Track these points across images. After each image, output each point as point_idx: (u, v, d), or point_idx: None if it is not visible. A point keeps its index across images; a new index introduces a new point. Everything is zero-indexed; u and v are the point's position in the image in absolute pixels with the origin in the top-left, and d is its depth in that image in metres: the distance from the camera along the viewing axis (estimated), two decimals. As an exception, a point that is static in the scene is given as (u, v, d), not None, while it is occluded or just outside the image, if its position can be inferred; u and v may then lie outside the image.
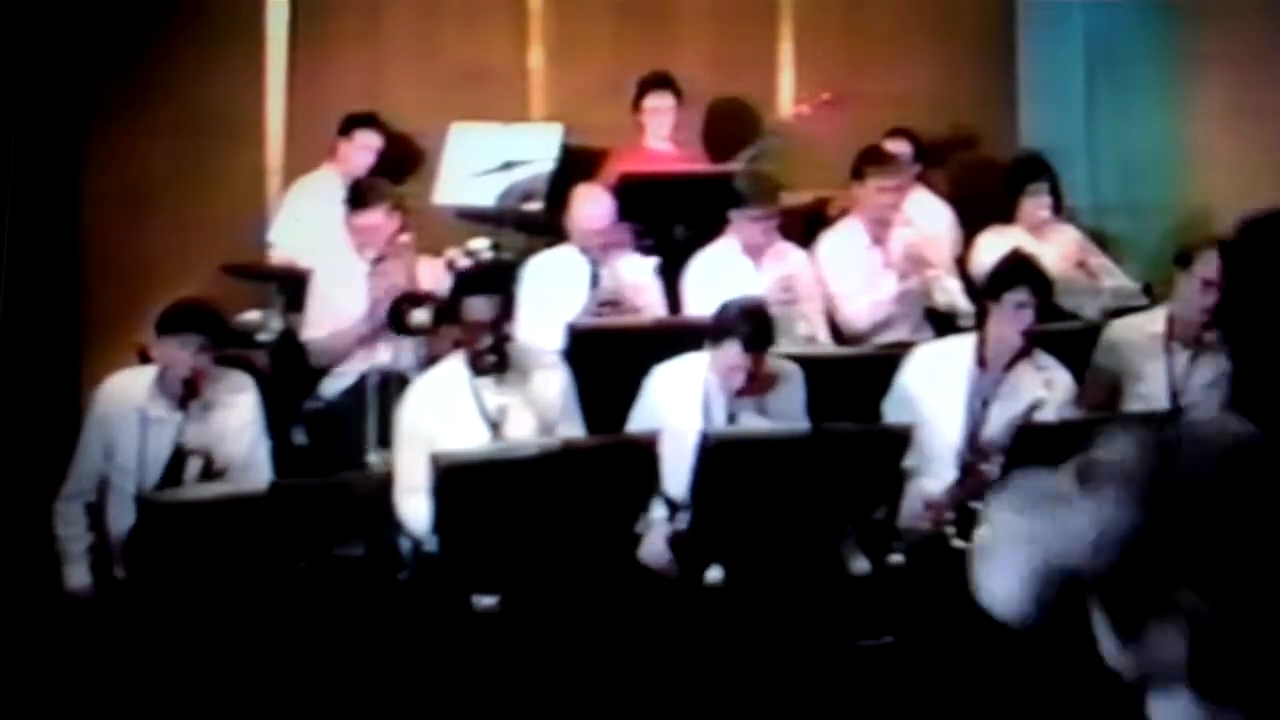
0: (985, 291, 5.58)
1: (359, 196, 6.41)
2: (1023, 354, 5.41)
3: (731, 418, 5.41)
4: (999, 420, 5.33)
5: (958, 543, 5.19)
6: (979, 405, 5.41)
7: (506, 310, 5.41)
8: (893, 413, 5.47)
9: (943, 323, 6.61)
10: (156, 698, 4.62)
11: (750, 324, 5.31)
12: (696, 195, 6.79)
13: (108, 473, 5.27)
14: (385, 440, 5.56)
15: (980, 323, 5.59)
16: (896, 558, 5.13)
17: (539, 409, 5.35)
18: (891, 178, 6.79)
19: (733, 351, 5.30)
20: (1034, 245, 6.70)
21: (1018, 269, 5.54)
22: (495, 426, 5.23)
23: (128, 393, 5.28)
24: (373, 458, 5.64)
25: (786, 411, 5.48)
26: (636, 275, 6.55)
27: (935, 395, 5.43)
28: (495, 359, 5.27)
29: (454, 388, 5.31)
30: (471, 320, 5.29)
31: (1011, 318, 5.38)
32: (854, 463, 5.02)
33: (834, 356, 6.26)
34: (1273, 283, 2.22)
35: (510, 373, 5.33)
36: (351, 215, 6.37)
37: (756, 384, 5.38)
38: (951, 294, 6.77)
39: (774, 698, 4.87)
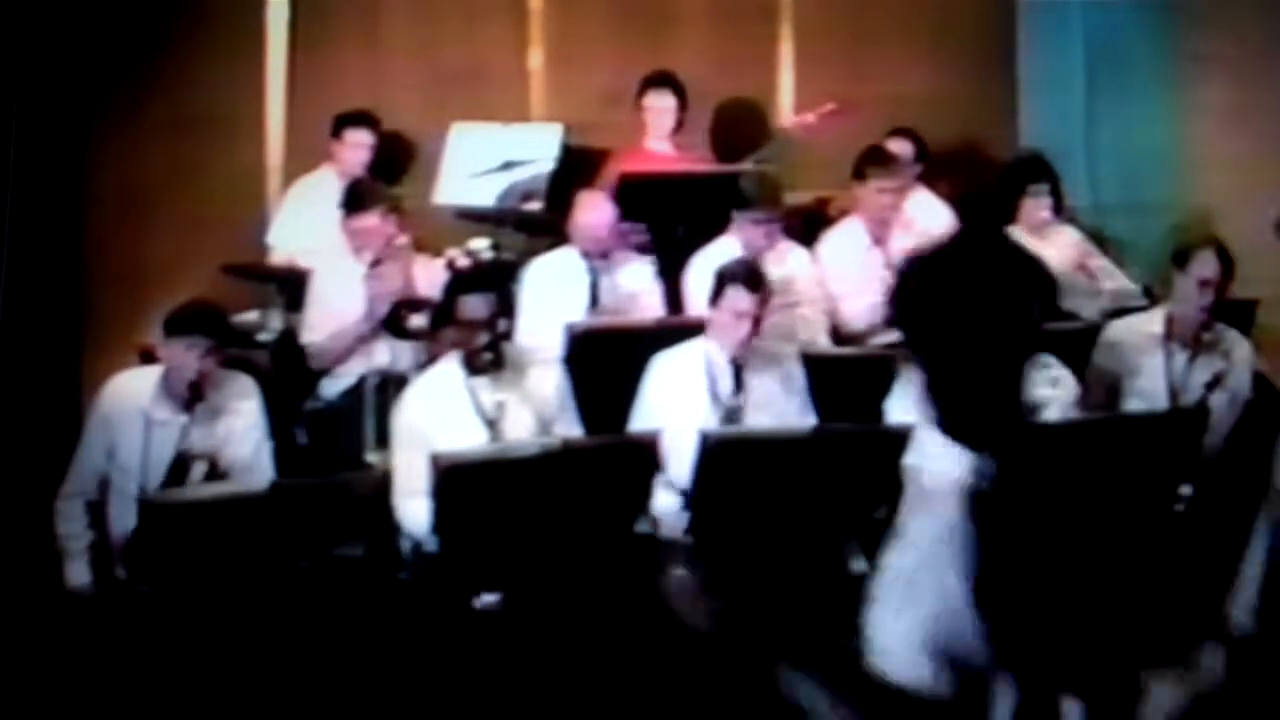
0: None
1: (355, 200, 6.42)
2: None
3: (738, 374, 5.44)
4: None
5: None
6: None
7: (501, 309, 5.42)
8: (895, 411, 5.47)
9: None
10: (157, 697, 4.62)
11: (749, 269, 5.58)
12: (698, 196, 6.79)
13: (109, 472, 5.28)
14: (384, 440, 5.57)
15: None
16: None
17: (535, 406, 5.36)
18: (892, 178, 6.79)
19: (737, 296, 5.44)
20: (1034, 246, 6.69)
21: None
22: (492, 425, 5.24)
23: (131, 394, 5.29)
24: (371, 458, 5.65)
25: (790, 377, 5.59)
26: (636, 282, 6.55)
27: None
28: (491, 358, 5.29)
29: (450, 389, 5.32)
30: (467, 319, 5.30)
31: None
32: (854, 462, 5.03)
33: (834, 356, 6.26)
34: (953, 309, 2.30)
35: (505, 371, 5.34)
36: (348, 219, 6.39)
37: (759, 331, 5.47)
38: None
39: (774, 697, 4.87)
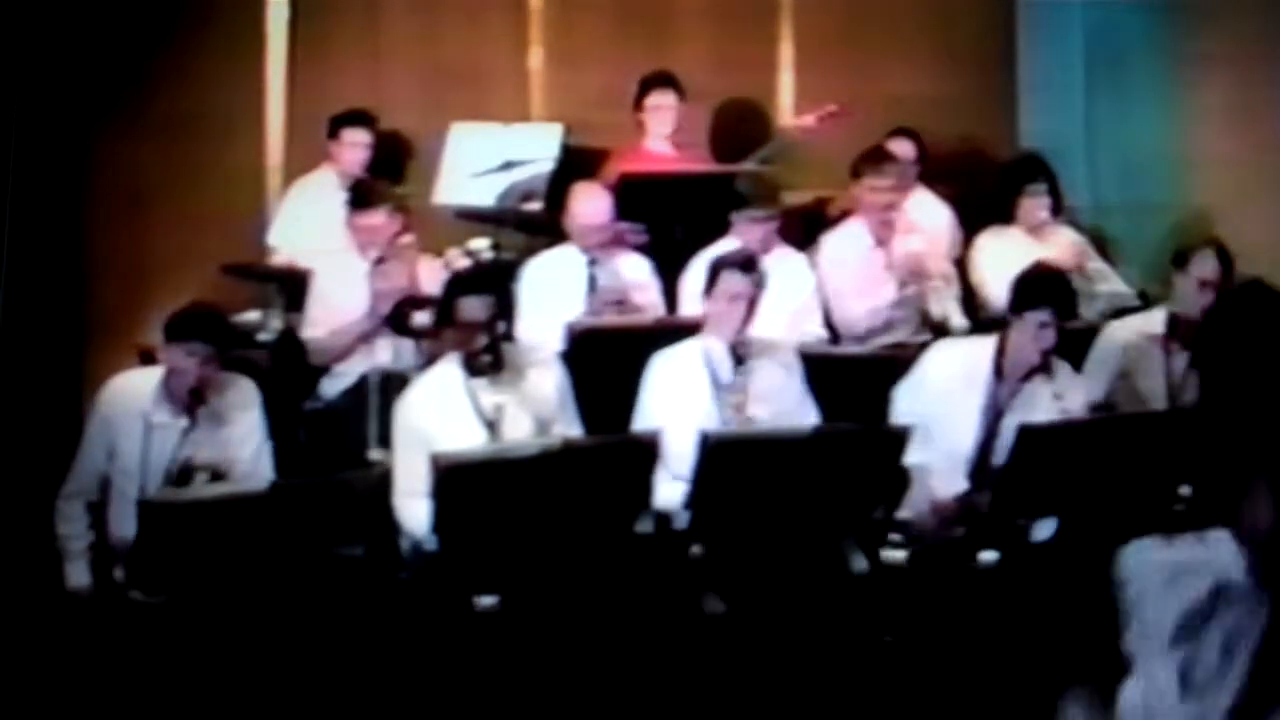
0: (1009, 305, 5.48)
1: (361, 197, 6.42)
2: (1040, 369, 5.37)
3: (740, 362, 5.45)
4: (1012, 432, 5.29)
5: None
6: (993, 414, 5.38)
7: (501, 310, 5.42)
8: (904, 400, 5.45)
9: (938, 331, 6.61)
10: (157, 697, 4.62)
11: (742, 254, 5.70)
12: (697, 196, 6.80)
13: (109, 474, 5.26)
14: (386, 440, 5.57)
15: (1000, 329, 5.51)
16: (897, 555, 5.13)
17: (535, 407, 5.35)
18: (885, 177, 6.78)
19: (731, 279, 5.49)
20: (1032, 246, 6.72)
21: (1044, 288, 5.43)
22: (492, 426, 5.24)
23: (132, 396, 5.27)
24: (374, 455, 5.66)
25: (788, 364, 5.58)
26: (635, 274, 6.56)
27: (952, 395, 5.38)
28: (490, 359, 5.28)
29: (449, 389, 5.31)
30: (466, 320, 5.29)
31: (1033, 336, 5.32)
32: (854, 462, 5.03)
33: (834, 356, 6.26)
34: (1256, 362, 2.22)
35: (505, 372, 5.33)
36: (354, 216, 6.39)
37: (754, 314, 5.49)
38: (946, 307, 6.76)
39: (773, 697, 4.87)
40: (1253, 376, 2.06)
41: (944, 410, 5.30)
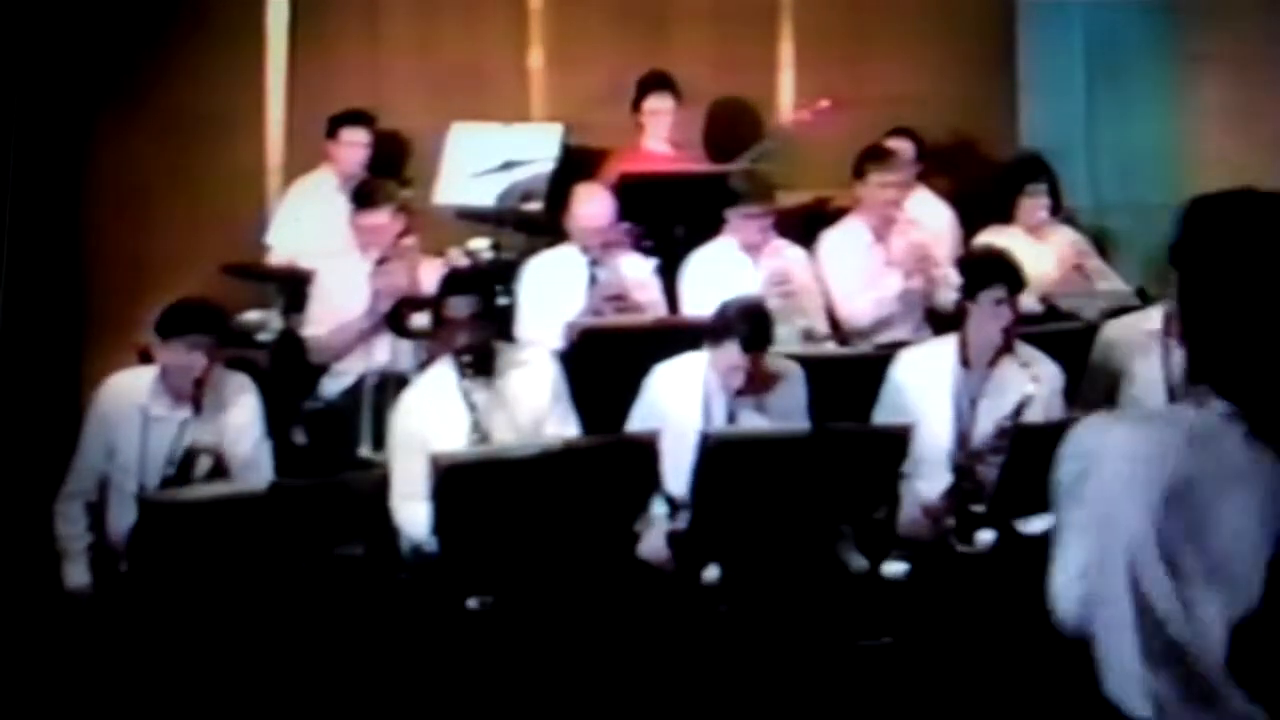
0: (962, 292, 5.56)
1: (366, 197, 6.42)
2: (1005, 350, 5.40)
3: (731, 416, 5.42)
4: (988, 418, 5.33)
5: (962, 548, 5.18)
6: (966, 405, 5.41)
7: (485, 309, 5.41)
8: (883, 419, 5.47)
9: (942, 323, 6.60)
10: (157, 697, 4.63)
11: (749, 324, 5.33)
12: (695, 195, 6.79)
13: (109, 472, 5.27)
14: (380, 439, 5.58)
15: (960, 322, 5.56)
16: (898, 568, 5.13)
17: (528, 405, 5.35)
18: (893, 173, 6.79)
19: (732, 351, 5.31)
20: (1032, 246, 6.72)
21: (991, 267, 5.53)
22: (480, 425, 5.23)
23: (129, 392, 5.29)
24: (365, 453, 5.66)
25: (787, 410, 5.49)
26: (636, 272, 6.55)
27: (923, 397, 5.41)
28: (473, 358, 5.28)
29: (443, 390, 5.31)
30: (449, 318, 5.31)
31: (990, 315, 5.38)
32: (854, 463, 5.03)
33: (834, 356, 6.26)
34: (1227, 263, 2.40)
35: (497, 370, 5.34)
36: (357, 215, 6.39)
37: (756, 383, 5.39)
38: (954, 294, 6.75)
39: (773, 698, 4.87)
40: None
41: (918, 416, 5.30)
